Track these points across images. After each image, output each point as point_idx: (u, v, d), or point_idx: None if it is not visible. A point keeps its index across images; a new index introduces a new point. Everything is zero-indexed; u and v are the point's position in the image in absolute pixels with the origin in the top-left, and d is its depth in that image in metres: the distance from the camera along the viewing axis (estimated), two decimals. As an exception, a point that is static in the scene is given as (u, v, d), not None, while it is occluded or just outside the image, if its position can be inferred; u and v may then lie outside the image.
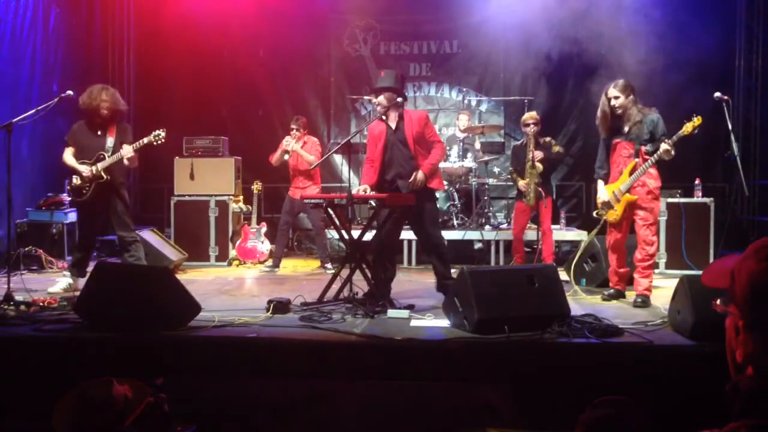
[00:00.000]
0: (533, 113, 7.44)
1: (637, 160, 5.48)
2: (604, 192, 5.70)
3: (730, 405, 1.24)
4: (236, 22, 10.07)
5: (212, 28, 10.04)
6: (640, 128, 5.50)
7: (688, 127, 5.28)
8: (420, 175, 5.47)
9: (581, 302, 5.57)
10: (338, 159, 10.41)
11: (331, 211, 5.64)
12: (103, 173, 6.10)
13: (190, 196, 8.63)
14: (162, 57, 10.25)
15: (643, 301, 5.42)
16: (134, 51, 10.40)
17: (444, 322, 4.67)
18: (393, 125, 5.64)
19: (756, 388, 1.22)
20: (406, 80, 5.82)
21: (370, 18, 10.54)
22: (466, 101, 10.37)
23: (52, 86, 8.82)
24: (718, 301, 1.35)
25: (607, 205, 5.66)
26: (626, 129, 5.56)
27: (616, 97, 5.52)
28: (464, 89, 10.48)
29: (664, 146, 5.27)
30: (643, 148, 5.46)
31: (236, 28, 10.10)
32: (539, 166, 7.07)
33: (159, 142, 6.18)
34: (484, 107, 10.44)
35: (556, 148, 7.33)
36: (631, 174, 5.48)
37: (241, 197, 8.92)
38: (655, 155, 5.36)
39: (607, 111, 5.59)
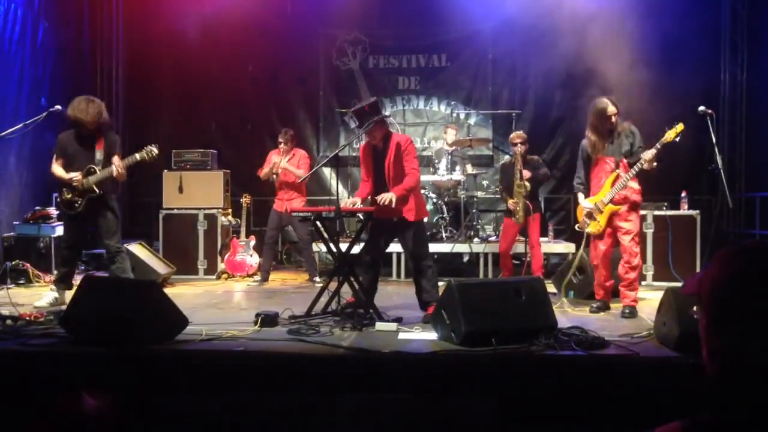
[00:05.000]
0: (520, 132, 7.44)
1: (618, 171, 5.53)
2: (586, 203, 5.74)
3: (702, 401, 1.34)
4: (225, 36, 10.11)
5: (201, 41, 10.07)
6: (620, 141, 5.57)
7: (670, 134, 5.34)
8: (390, 195, 5.31)
9: (568, 314, 5.59)
10: (327, 172, 10.43)
11: (319, 224, 5.65)
12: (94, 187, 6.05)
13: (178, 209, 8.60)
14: (151, 71, 10.28)
15: (630, 312, 5.46)
16: (123, 65, 10.42)
17: (432, 335, 4.67)
18: (379, 148, 5.63)
19: (720, 381, 1.31)
20: (373, 106, 5.62)
21: (358, 32, 10.61)
22: (454, 114, 10.45)
23: (40, 100, 8.82)
24: (695, 308, 1.44)
25: (590, 217, 5.69)
26: (608, 144, 5.62)
27: (616, 114, 5.56)
28: (453, 102, 10.55)
29: (647, 155, 5.33)
30: (624, 160, 5.52)
31: (225, 41, 10.14)
32: (527, 184, 7.08)
33: (152, 158, 6.11)
34: (472, 120, 10.50)
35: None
36: (612, 185, 5.54)
37: (229, 210, 8.91)
38: (637, 165, 5.42)
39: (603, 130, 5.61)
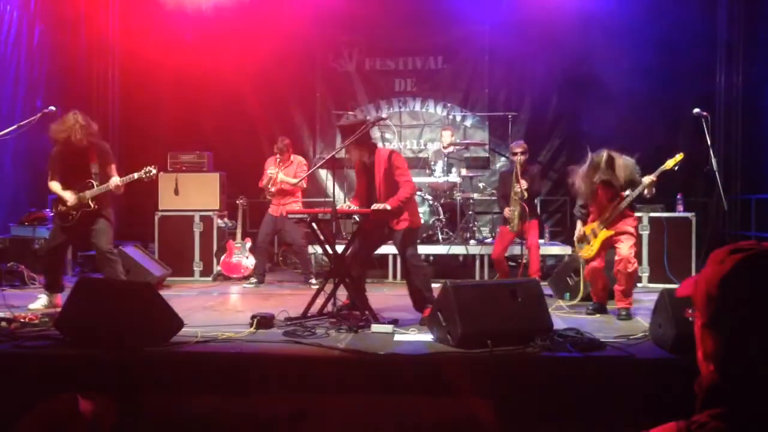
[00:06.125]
0: (521, 142, 7.44)
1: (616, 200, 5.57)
2: (580, 230, 5.85)
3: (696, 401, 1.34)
4: (221, 38, 10.09)
5: (197, 43, 10.06)
6: (618, 173, 5.57)
7: (669, 163, 5.44)
8: (383, 205, 5.32)
9: (564, 316, 5.59)
10: (323, 174, 10.42)
11: (315, 226, 5.64)
12: (90, 202, 6.04)
13: (174, 211, 8.60)
14: (147, 72, 10.24)
15: (626, 314, 5.47)
16: (119, 66, 10.40)
17: (427, 337, 4.67)
18: (368, 164, 5.62)
19: (716, 381, 1.31)
20: (375, 105, 5.68)
21: (355, 34, 10.59)
22: (450, 116, 10.44)
23: (35, 102, 8.78)
24: (690, 310, 1.43)
25: (584, 240, 5.74)
26: (606, 176, 5.63)
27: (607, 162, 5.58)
28: (449, 104, 10.55)
29: (646, 180, 5.40)
30: (624, 193, 5.54)
31: (221, 43, 10.12)
32: (525, 192, 7.09)
33: (149, 178, 6.17)
34: (468, 122, 10.51)
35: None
36: (611, 212, 5.58)
37: (225, 212, 8.90)
38: (636, 190, 5.46)
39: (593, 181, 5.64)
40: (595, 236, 5.64)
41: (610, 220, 5.57)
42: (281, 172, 7.87)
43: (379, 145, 5.79)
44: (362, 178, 5.73)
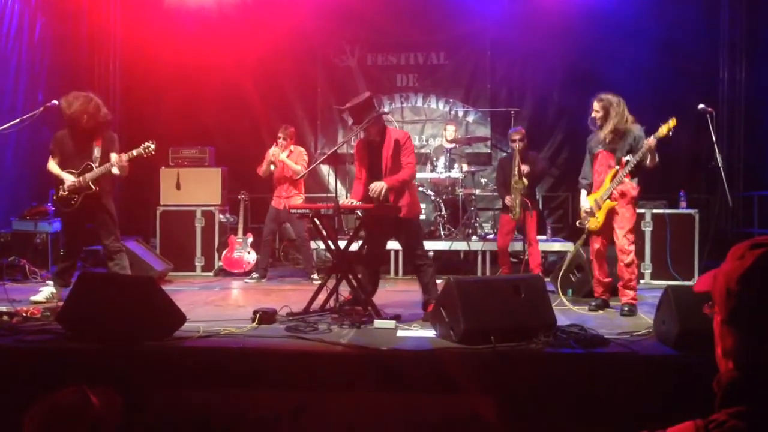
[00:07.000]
0: (519, 128, 7.51)
1: (617, 167, 5.53)
2: (586, 201, 5.79)
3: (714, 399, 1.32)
4: (223, 32, 10.07)
5: (199, 37, 10.03)
6: (624, 140, 5.56)
7: (663, 129, 5.32)
8: (381, 184, 5.30)
9: (567, 312, 5.58)
10: (325, 169, 10.41)
11: (317, 221, 5.62)
12: (91, 184, 6.00)
13: (176, 206, 8.58)
14: (148, 66, 10.22)
15: (630, 310, 5.46)
16: (120, 60, 10.37)
17: (430, 333, 4.66)
18: (375, 143, 5.57)
19: (735, 379, 1.29)
20: (375, 99, 5.68)
21: (357, 29, 10.57)
22: (452, 112, 10.43)
23: (37, 95, 8.77)
24: (708, 306, 1.42)
25: (590, 214, 5.71)
26: (608, 139, 5.62)
27: (596, 111, 5.66)
28: (451, 100, 10.53)
29: (645, 144, 5.33)
30: (624, 159, 5.50)
31: (223, 37, 10.10)
32: (525, 180, 7.09)
33: (149, 153, 6.11)
34: (470, 118, 10.49)
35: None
36: (611, 181, 5.54)
37: (227, 207, 8.89)
38: (637, 156, 5.40)
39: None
40: (599, 207, 5.61)
41: (611, 191, 5.54)
42: (283, 154, 7.83)
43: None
44: (364, 162, 5.65)
